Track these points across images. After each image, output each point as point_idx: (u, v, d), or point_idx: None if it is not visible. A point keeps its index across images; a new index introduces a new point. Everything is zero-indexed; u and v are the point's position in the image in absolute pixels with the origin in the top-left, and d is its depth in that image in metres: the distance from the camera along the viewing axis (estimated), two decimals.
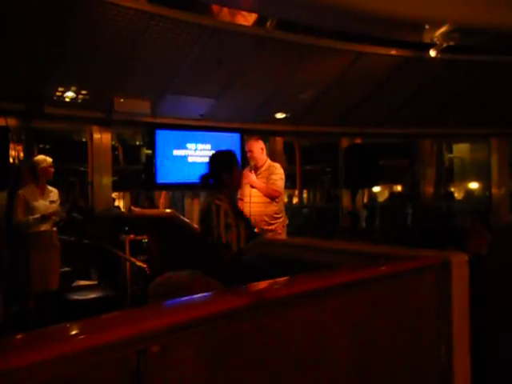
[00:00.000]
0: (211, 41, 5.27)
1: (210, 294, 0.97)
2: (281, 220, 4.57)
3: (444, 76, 6.67)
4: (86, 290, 5.14)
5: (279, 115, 7.02)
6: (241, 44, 5.50)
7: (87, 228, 5.91)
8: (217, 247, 2.91)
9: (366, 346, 1.11)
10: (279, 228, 4.51)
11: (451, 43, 5.70)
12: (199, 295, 0.93)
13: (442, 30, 5.59)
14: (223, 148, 3.62)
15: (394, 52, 6.27)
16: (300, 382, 0.96)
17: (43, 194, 4.62)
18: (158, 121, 6.28)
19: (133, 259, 5.02)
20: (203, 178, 3.23)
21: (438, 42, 5.72)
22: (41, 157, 4.73)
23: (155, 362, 0.72)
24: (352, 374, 1.07)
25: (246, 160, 4.86)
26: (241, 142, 6.59)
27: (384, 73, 6.57)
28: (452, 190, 9.51)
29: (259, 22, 5.36)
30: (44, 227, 4.52)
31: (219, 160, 3.24)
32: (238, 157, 6.37)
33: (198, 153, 6.48)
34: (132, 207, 6.09)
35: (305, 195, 9.61)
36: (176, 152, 6.32)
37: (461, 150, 9.60)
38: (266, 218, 4.48)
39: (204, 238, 3.00)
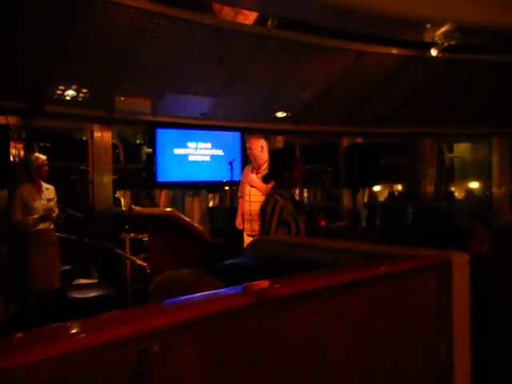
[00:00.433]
0: (212, 39, 5.27)
1: (210, 293, 0.97)
2: None
3: (445, 75, 6.67)
4: (87, 288, 5.14)
5: (280, 114, 7.02)
6: (242, 43, 5.50)
7: (88, 226, 5.92)
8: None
9: (366, 346, 1.10)
10: None
11: (452, 42, 5.70)
12: (200, 294, 0.93)
13: (444, 29, 5.59)
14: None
15: (395, 51, 6.26)
16: (301, 381, 0.96)
17: (40, 192, 4.59)
18: (158, 119, 6.28)
19: (133, 258, 5.02)
20: (267, 178, 3.33)
21: (439, 42, 5.72)
22: (34, 155, 4.68)
23: (156, 361, 0.72)
24: (352, 374, 1.07)
25: (246, 158, 4.85)
26: (241, 141, 6.60)
27: (385, 72, 6.56)
28: (452, 189, 9.51)
29: (260, 21, 5.36)
30: (42, 226, 4.52)
31: (279, 159, 3.28)
32: (239, 155, 6.42)
33: (198, 151, 6.48)
34: (132, 206, 6.09)
35: (305, 194, 9.60)
36: (176, 151, 6.33)
37: (461, 149, 9.60)
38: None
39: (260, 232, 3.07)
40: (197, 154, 6.47)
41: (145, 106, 5.90)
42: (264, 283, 1.00)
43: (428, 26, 5.60)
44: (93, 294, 4.98)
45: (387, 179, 9.81)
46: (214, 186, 7.25)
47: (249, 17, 5.32)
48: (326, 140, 8.50)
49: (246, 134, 6.64)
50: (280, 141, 7.42)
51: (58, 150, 6.93)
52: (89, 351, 0.66)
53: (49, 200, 4.60)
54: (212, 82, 6.03)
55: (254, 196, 4.49)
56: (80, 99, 5.55)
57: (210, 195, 7.79)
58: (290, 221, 2.96)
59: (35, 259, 4.41)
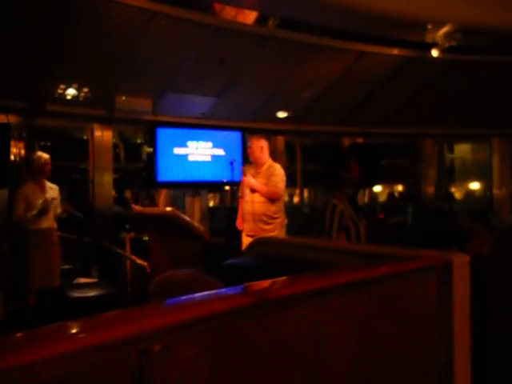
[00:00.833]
0: (213, 39, 5.27)
1: (211, 292, 0.97)
2: (279, 220, 4.55)
3: (446, 76, 6.67)
4: (87, 287, 5.14)
5: (281, 114, 7.02)
6: (243, 42, 5.50)
7: (88, 226, 5.92)
8: None
9: (367, 346, 1.10)
10: (276, 228, 4.48)
11: (453, 43, 5.70)
12: (200, 294, 0.93)
13: (445, 29, 5.59)
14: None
15: (396, 52, 6.26)
16: (301, 381, 0.96)
17: (43, 191, 4.58)
18: (159, 119, 6.29)
19: (133, 257, 5.02)
20: (323, 177, 3.11)
21: (440, 42, 5.72)
22: (36, 154, 4.68)
23: (156, 361, 0.72)
24: (353, 374, 1.07)
25: (247, 157, 4.85)
26: (242, 141, 6.60)
27: (386, 72, 6.56)
28: (453, 190, 9.50)
29: (261, 21, 5.36)
30: (45, 224, 4.50)
31: (336, 158, 3.08)
32: (239, 155, 6.42)
33: (199, 151, 6.48)
34: (133, 205, 6.10)
35: (306, 194, 9.60)
36: (177, 150, 6.33)
37: (462, 150, 9.59)
38: (264, 218, 4.46)
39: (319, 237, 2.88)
40: (197, 153, 6.47)
41: (145, 106, 5.90)
42: (264, 283, 1.00)
43: (429, 26, 5.60)
44: (93, 293, 4.98)
45: (387, 179, 9.80)
46: (214, 186, 7.25)
47: (250, 17, 5.32)
48: (327, 140, 8.50)
49: (246, 133, 6.64)
50: (281, 140, 7.42)
51: (59, 149, 6.93)
52: (89, 351, 0.66)
53: (52, 199, 4.59)
54: (213, 82, 6.03)
55: (256, 196, 4.47)
56: (81, 98, 5.56)
57: (211, 195, 7.80)
58: (349, 226, 2.77)
59: (37, 258, 4.41)
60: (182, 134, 6.43)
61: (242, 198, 4.73)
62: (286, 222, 4.71)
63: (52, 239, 4.59)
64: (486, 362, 2.13)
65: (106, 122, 6.13)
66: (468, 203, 9.00)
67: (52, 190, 4.66)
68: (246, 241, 4.50)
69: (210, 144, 6.54)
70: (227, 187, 7.49)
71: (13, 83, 5.09)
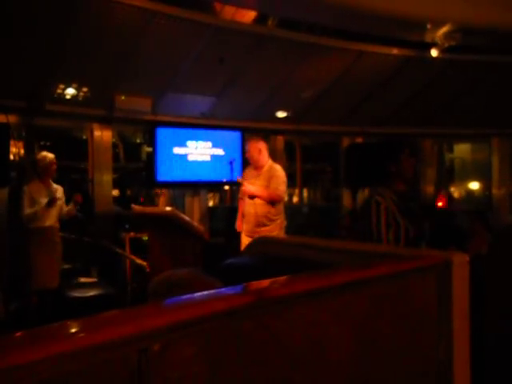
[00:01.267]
0: (213, 39, 5.27)
1: (210, 292, 0.97)
2: (278, 222, 4.54)
3: (445, 76, 6.67)
4: (86, 287, 5.14)
5: (280, 114, 7.02)
6: (242, 42, 5.50)
7: (87, 225, 5.92)
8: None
9: (366, 346, 1.10)
10: (275, 229, 4.48)
11: (453, 43, 5.70)
12: (200, 294, 0.93)
13: (444, 29, 5.59)
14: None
15: (395, 51, 6.26)
16: (300, 380, 0.96)
17: (48, 190, 4.60)
18: (158, 118, 6.28)
19: (133, 257, 5.02)
20: (367, 171, 2.87)
21: (439, 42, 5.72)
22: (42, 154, 4.70)
23: (156, 361, 0.72)
24: (352, 374, 1.07)
25: (247, 158, 4.84)
26: (242, 141, 6.59)
27: (385, 72, 6.56)
28: (452, 189, 9.50)
29: (261, 21, 5.35)
30: (48, 222, 4.50)
31: (384, 150, 2.90)
32: (239, 155, 6.41)
33: (198, 151, 6.48)
34: (132, 205, 6.09)
35: (305, 194, 9.60)
36: (176, 150, 6.32)
37: (462, 150, 9.59)
38: (264, 219, 4.46)
39: (363, 236, 2.70)
40: (197, 153, 6.46)
41: (145, 105, 5.90)
42: (263, 283, 1.00)
43: (428, 26, 5.60)
44: (92, 293, 4.98)
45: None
46: (213, 186, 7.25)
47: (249, 16, 5.32)
48: (326, 140, 8.50)
49: (246, 133, 6.64)
50: (280, 140, 7.42)
51: (58, 149, 6.92)
52: (89, 351, 0.66)
53: (57, 199, 4.60)
54: (212, 82, 6.03)
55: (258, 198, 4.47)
56: (80, 98, 5.55)
57: (210, 195, 7.79)
58: (398, 223, 2.56)
59: (38, 257, 4.41)
60: (182, 134, 6.43)
61: (242, 199, 4.72)
62: (285, 223, 4.70)
63: (54, 239, 4.58)
64: (485, 362, 2.13)
65: (105, 121, 6.12)
66: (467, 203, 9.00)
67: (57, 190, 4.68)
68: (245, 241, 4.49)
69: (209, 144, 6.54)
70: (227, 187, 7.49)
71: (12, 83, 5.08)
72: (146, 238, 5.33)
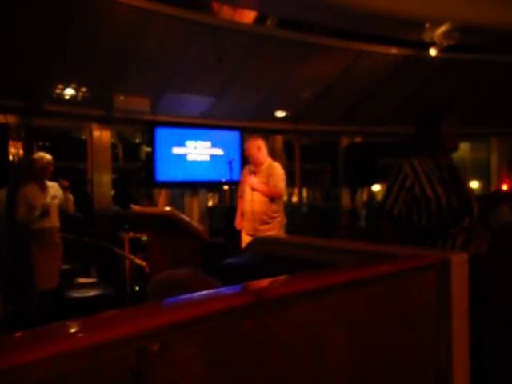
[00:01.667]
0: (211, 39, 5.27)
1: (209, 292, 0.97)
2: (278, 219, 4.55)
3: (444, 75, 6.67)
4: (86, 287, 5.14)
5: (279, 113, 7.02)
6: (241, 42, 5.50)
7: (87, 225, 5.91)
8: (378, 213, 2.43)
9: (365, 345, 1.11)
10: (275, 227, 4.49)
11: (451, 42, 5.70)
12: (199, 293, 0.93)
13: (443, 28, 5.59)
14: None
15: (394, 51, 6.27)
16: (300, 380, 0.96)
17: (43, 191, 4.56)
18: (157, 118, 6.28)
19: (132, 257, 5.02)
20: (410, 142, 2.57)
21: (438, 41, 5.72)
22: (38, 155, 4.65)
23: (155, 361, 0.72)
24: (351, 373, 1.07)
25: (246, 157, 4.84)
26: (241, 140, 6.60)
27: (384, 71, 6.57)
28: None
29: (260, 20, 5.35)
30: (48, 223, 4.48)
31: (422, 115, 2.61)
32: (238, 155, 6.42)
33: (197, 151, 6.48)
34: (131, 205, 6.09)
35: (304, 193, 9.61)
36: (176, 150, 6.32)
37: (461, 149, 9.56)
38: (264, 217, 4.47)
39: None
40: (196, 153, 6.47)
41: (144, 105, 5.90)
42: (263, 282, 1.00)
43: (427, 25, 5.60)
44: (92, 293, 4.98)
45: (386, 178, 9.79)
46: (213, 186, 7.25)
47: (248, 16, 5.32)
48: (326, 139, 8.50)
49: (245, 133, 6.64)
50: (279, 140, 7.42)
51: (57, 149, 6.92)
52: (88, 350, 0.66)
53: (53, 198, 4.55)
54: (211, 81, 6.03)
55: (256, 195, 4.47)
56: (79, 98, 5.55)
57: (210, 194, 7.80)
58: (424, 193, 2.31)
59: (39, 258, 4.39)
60: (181, 134, 6.43)
61: (242, 197, 4.73)
62: (285, 221, 4.71)
63: (54, 239, 4.57)
64: (485, 360, 2.14)
65: (104, 121, 6.12)
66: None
67: (52, 188, 4.61)
68: (245, 240, 4.50)
69: (208, 143, 6.54)
70: (226, 187, 7.49)
71: (11, 83, 5.08)
72: (145, 238, 5.33)
